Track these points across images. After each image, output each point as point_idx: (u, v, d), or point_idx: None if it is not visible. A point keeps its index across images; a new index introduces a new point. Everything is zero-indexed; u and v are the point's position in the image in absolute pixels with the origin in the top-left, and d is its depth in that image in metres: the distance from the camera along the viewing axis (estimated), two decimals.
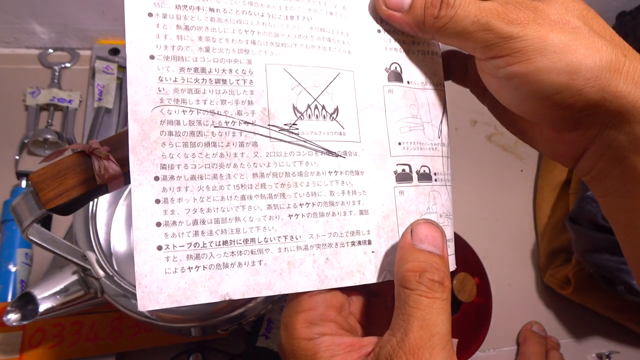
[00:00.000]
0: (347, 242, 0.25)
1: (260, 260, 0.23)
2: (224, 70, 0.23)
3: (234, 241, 0.23)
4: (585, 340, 0.61)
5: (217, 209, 0.23)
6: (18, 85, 0.58)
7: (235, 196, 0.23)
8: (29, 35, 0.60)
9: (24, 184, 0.53)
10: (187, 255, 0.22)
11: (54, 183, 0.27)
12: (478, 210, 0.64)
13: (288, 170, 0.24)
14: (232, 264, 0.22)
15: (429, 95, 0.28)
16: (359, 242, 0.25)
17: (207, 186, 0.22)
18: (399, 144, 0.26)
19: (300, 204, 0.24)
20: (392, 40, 0.27)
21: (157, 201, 0.22)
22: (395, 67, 0.27)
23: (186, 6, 0.23)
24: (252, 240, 0.23)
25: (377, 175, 0.26)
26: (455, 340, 0.55)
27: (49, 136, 0.55)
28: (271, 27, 0.24)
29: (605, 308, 0.59)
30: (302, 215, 0.24)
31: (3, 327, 0.41)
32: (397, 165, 0.26)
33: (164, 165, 0.22)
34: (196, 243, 0.22)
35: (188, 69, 0.23)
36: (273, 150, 0.24)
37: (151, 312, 0.37)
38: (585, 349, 0.60)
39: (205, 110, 0.23)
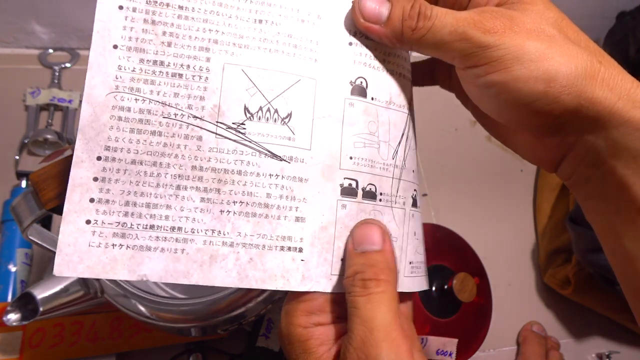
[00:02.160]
0: (276, 246, 0.25)
1: (183, 249, 0.24)
2: (181, 66, 0.24)
3: (161, 227, 0.23)
4: (585, 340, 0.61)
5: (151, 194, 0.23)
6: (18, 85, 0.58)
7: (171, 185, 0.24)
8: (29, 35, 0.60)
9: (24, 184, 0.53)
10: (114, 233, 0.23)
11: (54, 183, 0.27)
12: (478, 210, 0.64)
13: (228, 167, 0.24)
14: (155, 248, 0.23)
15: (392, 115, 0.28)
16: (289, 248, 0.25)
17: (145, 172, 0.23)
18: (351, 158, 0.26)
19: (234, 202, 0.24)
20: (363, 54, 0.27)
21: (96, 179, 0.23)
22: (361, 82, 0.27)
23: (156, 2, 0.24)
24: (179, 228, 0.24)
25: (323, 185, 0.26)
26: (455, 340, 0.55)
27: (49, 136, 0.55)
28: (236, 28, 0.25)
29: (605, 308, 0.59)
30: (234, 212, 0.24)
31: (3, 327, 0.41)
32: (344, 178, 0.26)
33: (108, 147, 0.23)
34: (124, 223, 0.23)
35: (147, 60, 0.24)
36: (216, 146, 0.24)
37: (151, 312, 0.37)
38: (585, 349, 0.60)
39: (157, 101, 0.24)
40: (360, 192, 0.26)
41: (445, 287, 0.52)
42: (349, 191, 0.26)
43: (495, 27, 0.22)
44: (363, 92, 0.27)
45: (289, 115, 0.25)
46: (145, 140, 0.23)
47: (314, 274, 0.25)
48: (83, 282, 0.38)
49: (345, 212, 0.26)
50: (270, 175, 0.25)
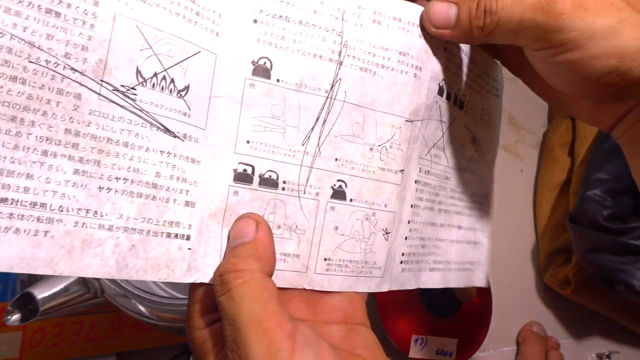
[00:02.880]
0: (162, 233, 0.22)
1: (47, 231, 0.20)
2: (60, 2, 0.20)
3: (18, 201, 0.19)
4: (585, 340, 0.61)
5: (6, 157, 0.19)
6: None
7: (35, 149, 0.19)
8: None
9: None
10: None
11: None
12: None
13: (112, 136, 0.21)
14: (7, 227, 0.19)
15: (303, 98, 0.26)
16: (176, 235, 0.23)
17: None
18: (248, 142, 0.25)
19: (117, 178, 0.21)
20: (269, 33, 0.25)
21: None
22: (265, 62, 0.25)
23: None
24: (43, 205, 0.19)
25: (215, 169, 0.24)
26: (455, 340, 0.55)
27: None
28: None
29: (605, 308, 0.59)
30: (116, 190, 0.21)
31: (3, 327, 0.41)
32: (238, 163, 0.24)
33: None
34: None
35: None
36: (99, 109, 0.21)
37: (151, 312, 0.37)
38: (585, 349, 0.60)
39: (22, 39, 0.19)
40: (256, 179, 0.25)
41: (445, 287, 0.52)
42: (243, 177, 0.25)
43: (564, 8, 0.23)
44: (266, 73, 0.25)
45: (187, 88, 0.23)
46: (2, 87, 0.19)
47: (201, 264, 0.23)
48: (83, 282, 0.38)
49: (237, 199, 0.24)
50: (161, 151, 0.22)
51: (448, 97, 0.30)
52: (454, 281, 0.33)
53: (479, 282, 0.35)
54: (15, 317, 0.36)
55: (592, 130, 0.59)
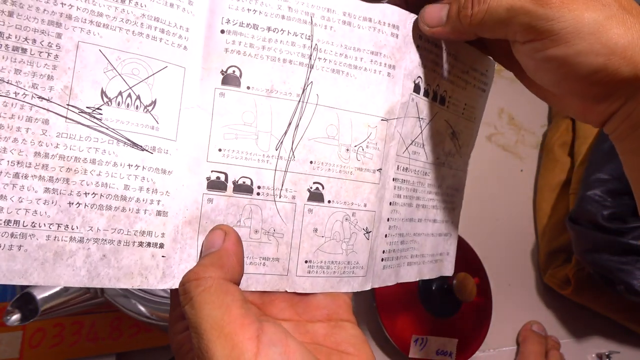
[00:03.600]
0: (134, 242, 0.23)
1: (21, 246, 0.21)
2: (26, 39, 0.22)
3: None
4: (585, 340, 0.61)
5: None
6: None
7: (7, 172, 0.21)
8: None
9: None
10: None
11: None
12: (478, 210, 0.64)
13: (79, 155, 0.22)
14: None
15: (275, 103, 0.26)
16: (149, 244, 0.24)
17: None
18: (220, 150, 0.25)
19: (86, 193, 0.22)
20: (237, 42, 0.25)
21: None
22: (234, 71, 0.25)
23: None
24: (16, 222, 0.21)
25: (188, 178, 0.25)
26: (455, 340, 0.55)
27: None
28: (95, 5, 0.23)
29: (605, 308, 0.59)
30: (86, 205, 0.22)
31: (3, 327, 0.41)
32: (211, 171, 0.25)
33: None
34: None
35: None
36: (66, 131, 0.22)
37: (151, 312, 0.37)
38: (585, 349, 0.60)
39: None
40: (230, 186, 0.25)
41: (445, 287, 0.52)
42: (216, 185, 0.25)
43: None
44: (236, 82, 0.25)
45: (153, 103, 0.24)
46: None
47: (176, 270, 0.24)
48: None
49: (212, 206, 0.25)
50: (129, 165, 0.23)
51: (426, 94, 0.30)
52: (428, 273, 0.34)
53: (447, 271, 0.36)
54: (15, 317, 0.36)
55: (592, 130, 0.59)
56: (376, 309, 0.50)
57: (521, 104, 0.68)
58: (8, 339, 0.43)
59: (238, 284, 0.23)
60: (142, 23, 0.23)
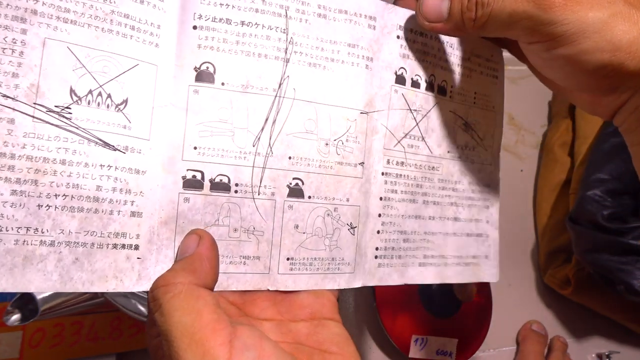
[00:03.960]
0: (108, 244, 0.23)
1: None
2: None
3: None
4: (585, 340, 0.61)
5: None
6: None
7: None
8: None
9: None
10: None
11: None
12: None
13: (48, 155, 0.22)
14: None
15: (251, 99, 0.26)
16: (123, 246, 0.23)
17: None
18: (195, 148, 0.25)
19: (56, 195, 0.22)
20: (210, 38, 0.25)
21: None
22: (207, 67, 0.25)
23: None
24: None
25: (163, 177, 0.24)
26: (455, 340, 0.55)
27: None
28: (61, 1, 0.22)
29: (605, 308, 0.59)
30: (56, 207, 0.22)
31: (3, 327, 0.41)
32: (187, 170, 0.24)
33: None
34: None
35: None
36: (34, 131, 0.21)
37: None
38: (585, 349, 0.60)
39: None
40: (207, 184, 0.25)
41: (445, 287, 0.52)
42: (192, 183, 0.25)
43: (556, 1, 0.23)
44: (210, 78, 0.25)
45: (125, 101, 0.23)
46: None
47: (152, 272, 0.23)
48: None
49: (189, 205, 0.24)
50: (101, 165, 0.23)
51: (415, 85, 0.29)
52: (454, 276, 0.32)
53: (488, 277, 0.33)
54: (15, 317, 0.36)
55: (592, 130, 0.59)
56: (376, 309, 0.50)
57: (521, 104, 0.68)
58: (8, 339, 0.43)
59: (211, 288, 0.23)
60: (111, 20, 0.23)
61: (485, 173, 0.34)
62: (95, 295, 0.38)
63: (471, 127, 0.32)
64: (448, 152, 0.31)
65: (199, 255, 0.23)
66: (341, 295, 0.53)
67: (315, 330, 0.26)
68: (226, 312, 0.24)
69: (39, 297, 0.37)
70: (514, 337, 0.59)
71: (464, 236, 0.33)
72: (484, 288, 0.56)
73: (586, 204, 0.52)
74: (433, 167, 0.31)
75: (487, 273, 0.33)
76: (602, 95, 0.26)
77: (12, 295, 0.47)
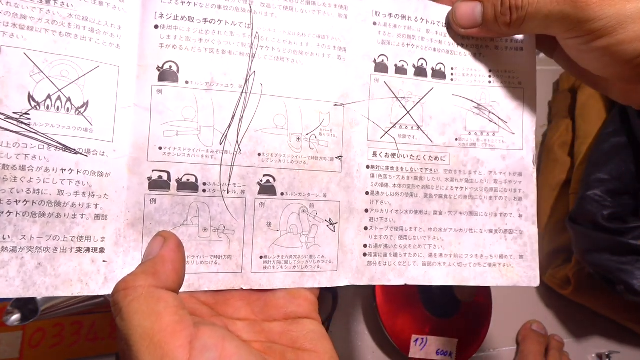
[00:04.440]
0: (71, 248, 0.23)
1: None
2: None
3: None
4: (585, 340, 0.61)
5: None
6: None
7: None
8: None
9: None
10: None
11: None
12: None
13: (7, 162, 0.22)
14: None
15: (216, 97, 0.25)
16: (88, 249, 0.23)
17: None
18: (160, 148, 0.24)
19: (17, 201, 0.22)
20: (172, 37, 0.25)
21: None
22: (170, 66, 0.25)
23: None
24: None
25: (128, 179, 0.24)
26: (455, 340, 0.55)
27: None
28: (17, 8, 0.22)
29: (605, 308, 0.59)
30: (17, 213, 0.22)
31: (3, 327, 0.41)
32: (152, 171, 0.24)
33: None
34: None
35: None
36: None
37: None
38: (585, 349, 0.60)
39: None
40: (174, 184, 0.25)
41: (445, 287, 0.52)
42: (158, 184, 0.25)
43: None
44: (173, 77, 0.25)
45: (85, 104, 0.23)
46: None
47: (120, 275, 0.23)
48: None
49: (155, 206, 0.24)
50: (62, 170, 0.23)
51: (400, 72, 0.28)
52: (475, 279, 0.29)
53: (525, 280, 0.29)
54: (15, 317, 0.36)
55: (592, 130, 0.59)
56: (376, 308, 0.50)
57: None
58: (8, 339, 0.43)
59: (175, 290, 0.23)
60: (69, 23, 0.23)
61: (513, 160, 0.30)
62: (95, 295, 0.37)
63: (487, 110, 0.30)
64: (456, 139, 0.29)
65: (161, 258, 0.23)
66: (341, 295, 0.53)
67: (289, 328, 0.25)
68: (196, 312, 0.24)
69: (39, 297, 0.37)
70: (514, 337, 0.59)
71: (486, 233, 0.29)
72: (484, 288, 0.56)
73: (586, 204, 0.52)
74: (436, 158, 0.29)
75: (523, 276, 0.30)
76: (637, 83, 0.26)
77: None
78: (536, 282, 0.29)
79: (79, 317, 0.44)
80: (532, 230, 0.30)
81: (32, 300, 0.37)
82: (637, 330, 0.60)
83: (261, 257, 0.26)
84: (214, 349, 0.20)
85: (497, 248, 0.29)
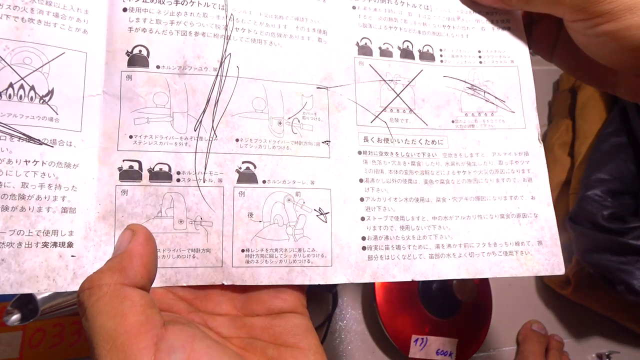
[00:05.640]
0: (37, 243, 0.22)
1: None
2: None
3: None
4: (585, 340, 0.61)
5: None
6: None
7: None
8: None
9: None
10: None
11: None
12: None
13: None
14: None
15: (190, 81, 0.24)
16: (55, 244, 0.22)
17: None
18: (130, 137, 0.23)
19: None
20: (142, 20, 0.24)
21: None
22: (140, 50, 0.24)
23: None
24: None
25: (99, 170, 0.23)
26: (455, 340, 0.55)
27: None
28: None
29: (605, 308, 0.59)
30: None
31: (3, 327, 0.41)
32: (123, 161, 0.23)
33: None
34: None
35: None
36: None
37: None
38: (585, 349, 0.60)
39: None
40: (146, 174, 0.23)
41: (445, 287, 0.52)
42: (129, 175, 0.23)
43: None
44: (143, 62, 0.24)
45: (50, 92, 0.22)
46: None
47: (90, 270, 0.22)
48: None
49: (127, 198, 0.23)
50: (26, 161, 0.22)
51: (385, 54, 0.28)
52: (490, 270, 0.27)
53: (547, 269, 0.27)
54: (15, 317, 0.36)
55: (592, 130, 0.59)
56: (376, 308, 0.50)
57: None
58: (8, 339, 0.43)
59: (145, 287, 0.22)
60: (32, 8, 0.22)
61: (516, 139, 0.28)
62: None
63: (482, 90, 0.29)
64: (452, 122, 0.28)
65: (129, 253, 0.22)
66: (341, 294, 0.53)
67: (272, 323, 0.24)
68: (173, 309, 0.23)
69: (39, 297, 0.37)
70: (514, 337, 0.59)
71: (497, 218, 0.27)
72: (484, 288, 0.56)
73: (586, 204, 0.52)
74: (434, 141, 0.28)
75: (545, 264, 0.28)
76: None
77: (12, 295, 0.47)
78: (560, 270, 0.27)
79: (79, 317, 0.44)
80: (548, 213, 0.28)
81: (32, 300, 0.37)
82: (637, 330, 0.60)
83: (243, 251, 0.24)
84: (181, 350, 0.19)
85: (511, 234, 0.27)
